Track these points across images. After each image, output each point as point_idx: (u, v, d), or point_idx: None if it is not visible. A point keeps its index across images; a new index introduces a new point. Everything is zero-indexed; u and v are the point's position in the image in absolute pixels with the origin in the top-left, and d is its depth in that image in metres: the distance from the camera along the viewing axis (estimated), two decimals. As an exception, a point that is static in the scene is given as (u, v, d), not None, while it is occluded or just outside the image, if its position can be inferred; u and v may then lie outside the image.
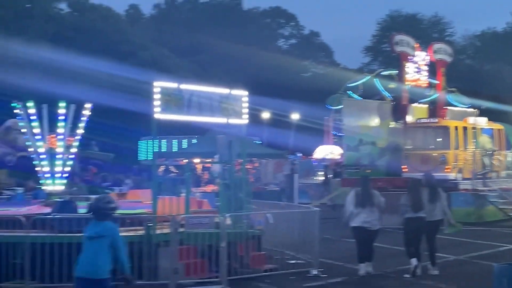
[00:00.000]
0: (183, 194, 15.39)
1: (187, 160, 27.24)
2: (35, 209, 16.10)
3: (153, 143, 16.50)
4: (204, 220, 14.00)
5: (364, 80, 29.21)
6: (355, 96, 28.95)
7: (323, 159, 37.34)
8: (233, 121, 15.44)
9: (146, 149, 42.58)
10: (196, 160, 33.53)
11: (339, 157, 33.70)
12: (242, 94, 15.74)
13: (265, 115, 48.78)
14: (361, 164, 26.49)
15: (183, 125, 15.63)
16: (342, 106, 27.94)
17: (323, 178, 35.14)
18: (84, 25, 58.42)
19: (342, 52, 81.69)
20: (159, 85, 14.14)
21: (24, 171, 23.80)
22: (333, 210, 26.69)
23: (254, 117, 30.70)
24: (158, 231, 13.69)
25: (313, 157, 39.44)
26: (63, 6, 64.26)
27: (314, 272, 14.62)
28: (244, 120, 15.66)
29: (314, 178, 37.42)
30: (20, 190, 21.34)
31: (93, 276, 7.58)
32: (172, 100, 14.28)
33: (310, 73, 68.65)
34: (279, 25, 76.63)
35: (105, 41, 55.57)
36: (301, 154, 41.85)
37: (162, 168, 31.70)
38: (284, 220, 15.35)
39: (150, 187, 15.42)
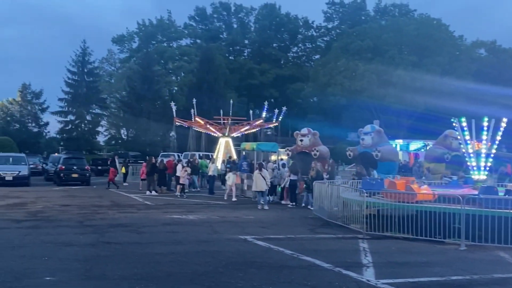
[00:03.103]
0: None
1: None
2: (467, 191, 15.68)
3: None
4: None
5: None
6: None
7: None
8: None
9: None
10: None
11: None
12: None
13: None
14: None
15: None
16: None
17: None
18: (497, 63, 55.20)
19: None
20: None
21: (457, 165, 23.47)
22: None
23: None
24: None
25: None
26: (482, 51, 61.66)
27: None
28: None
29: None
30: (454, 177, 21.01)
31: None
32: None
33: None
34: None
35: (513, 74, 51.75)
36: None
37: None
38: None
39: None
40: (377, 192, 15.18)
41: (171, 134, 49.90)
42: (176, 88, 67.96)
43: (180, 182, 24.84)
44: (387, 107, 52.22)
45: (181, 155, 41.20)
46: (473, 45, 61.47)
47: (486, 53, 61.50)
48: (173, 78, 70.62)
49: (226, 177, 24.27)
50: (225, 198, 23.24)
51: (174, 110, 37.17)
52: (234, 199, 23.09)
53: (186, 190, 25.09)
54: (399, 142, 41.35)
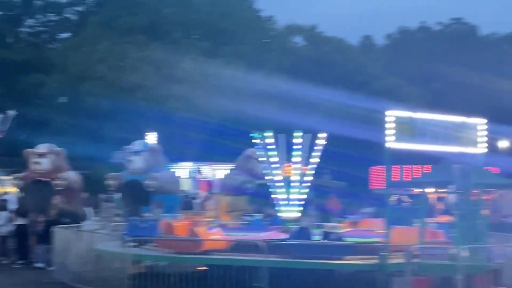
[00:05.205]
0: (417, 224, 15.24)
1: (420, 190, 26.87)
2: (273, 234, 16.68)
3: (386, 172, 16.45)
4: (439, 251, 13.77)
5: None
6: None
7: None
8: (469, 150, 15.17)
9: (377, 177, 42.46)
10: (430, 190, 32.76)
11: None
12: (479, 122, 15.43)
13: (504, 143, 46.54)
14: None
15: (415, 154, 15.49)
16: None
17: None
18: (318, 56, 59.90)
19: None
20: (392, 114, 14.36)
21: (262, 198, 24.76)
22: None
23: (492, 145, 29.62)
24: (391, 261, 13.65)
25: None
26: (299, 39, 66.54)
27: None
28: (481, 149, 15.34)
29: None
30: (258, 216, 22.11)
31: None
32: (405, 129, 14.39)
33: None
34: (519, 50, 73.32)
35: (339, 72, 56.58)
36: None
37: (394, 198, 31.30)
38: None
39: (383, 216, 15.42)
40: (148, 240, 15.40)
41: None
42: None
43: None
44: (169, 114, 53.29)
45: None
46: (287, 30, 65.99)
47: (304, 42, 66.51)
48: None
49: None
50: None
51: None
52: None
53: None
54: (188, 165, 42.40)
